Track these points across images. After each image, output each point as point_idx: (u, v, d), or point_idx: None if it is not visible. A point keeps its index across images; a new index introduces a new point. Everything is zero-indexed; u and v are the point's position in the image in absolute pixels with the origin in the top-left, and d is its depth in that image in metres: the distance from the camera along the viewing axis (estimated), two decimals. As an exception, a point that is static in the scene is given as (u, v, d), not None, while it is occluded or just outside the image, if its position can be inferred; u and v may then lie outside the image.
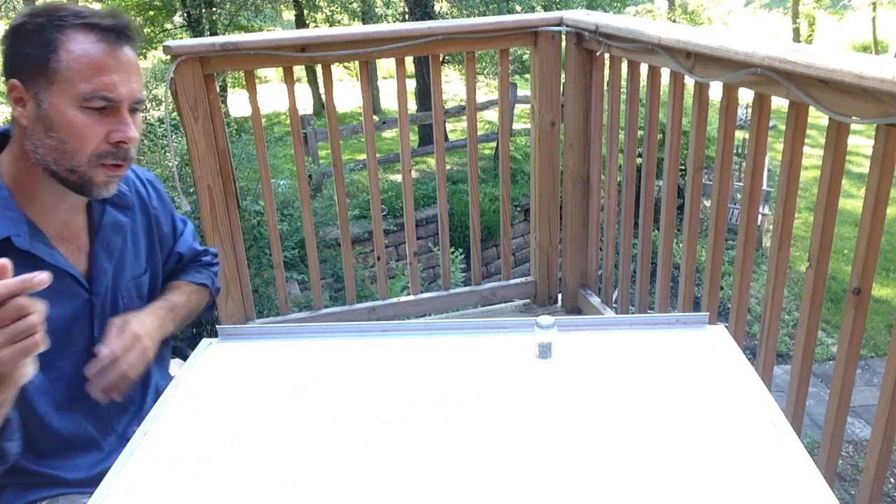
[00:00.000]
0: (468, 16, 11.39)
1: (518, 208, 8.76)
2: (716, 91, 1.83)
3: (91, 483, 1.08)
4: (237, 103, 14.01)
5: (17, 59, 1.07)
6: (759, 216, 6.26)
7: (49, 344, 1.06)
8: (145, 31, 14.33)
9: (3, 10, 14.93)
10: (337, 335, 1.34)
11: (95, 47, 1.06)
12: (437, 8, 12.63)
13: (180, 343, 1.57)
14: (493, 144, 10.66)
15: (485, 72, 11.28)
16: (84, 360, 1.19)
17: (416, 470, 0.98)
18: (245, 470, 0.99)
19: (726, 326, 1.33)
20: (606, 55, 2.27)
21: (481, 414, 1.09)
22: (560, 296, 2.80)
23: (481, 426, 1.06)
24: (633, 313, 2.46)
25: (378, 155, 2.60)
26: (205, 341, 1.32)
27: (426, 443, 1.03)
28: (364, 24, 13.94)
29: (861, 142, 8.14)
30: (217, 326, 1.35)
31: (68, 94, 1.05)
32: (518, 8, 11.50)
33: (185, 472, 0.98)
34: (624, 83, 2.32)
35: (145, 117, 10.13)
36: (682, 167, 2.03)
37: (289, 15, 17.25)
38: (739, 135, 7.67)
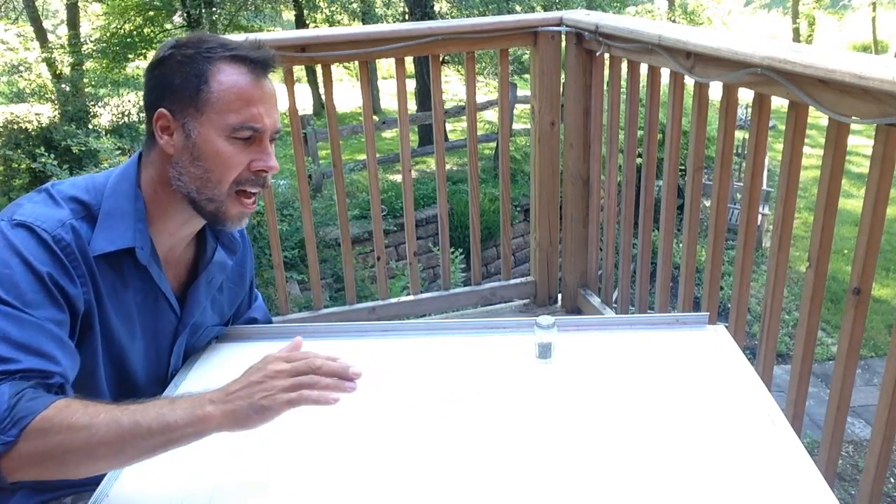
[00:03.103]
0: (468, 16, 11.38)
1: (518, 208, 8.75)
2: (716, 91, 1.83)
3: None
4: (237, 103, 13.94)
5: (166, 90, 1.09)
6: (759, 216, 6.25)
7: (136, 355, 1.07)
8: (145, 31, 14.33)
9: (2, 10, 14.92)
10: (337, 335, 1.34)
11: (244, 79, 1.09)
12: (437, 8, 12.62)
13: None
14: (493, 144, 10.66)
15: (485, 72, 11.27)
16: (150, 385, 1.21)
17: (417, 470, 0.97)
18: (245, 470, 0.99)
19: (726, 326, 1.33)
20: (606, 55, 2.27)
21: (481, 414, 1.09)
22: (560, 296, 2.79)
23: (481, 426, 1.06)
24: (633, 313, 2.46)
25: (378, 155, 2.60)
26: None
27: (426, 443, 1.03)
28: (364, 24, 13.94)
29: (861, 142, 8.14)
30: None
31: (217, 125, 1.08)
32: (518, 8, 11.49)
33: (184, 473, 0.98)
34: (624, 83, 2.31)
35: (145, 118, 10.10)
36: (682, 167, 2.03)
37: (289, 15, 17.24)
38: (739, 135, 7.67)
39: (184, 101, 1.08)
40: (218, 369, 1.24)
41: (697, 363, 1.20)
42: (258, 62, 1.10)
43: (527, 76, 10.29)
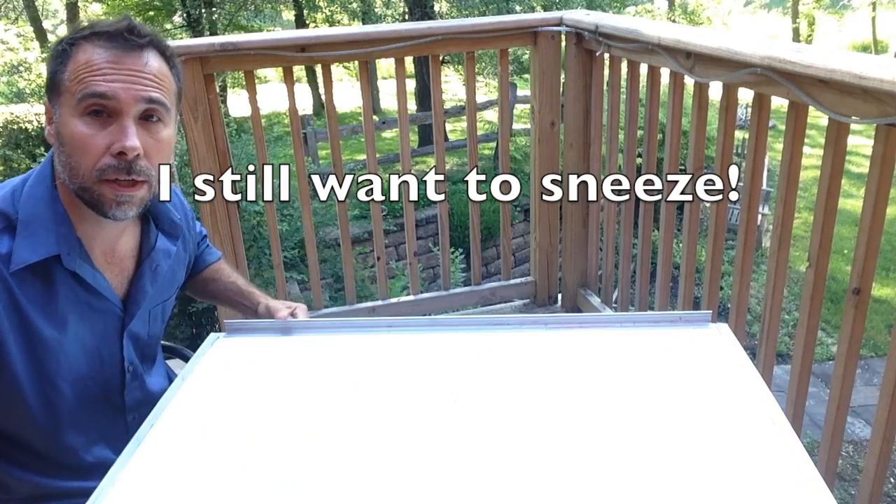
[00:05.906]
0: (468, 16, 11.38)
1: (518, 208, 8.75)
2: (716, 91, 1.83)
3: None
4: (237, 103, 14.00)
5: (47, 81, 1.06)
6: (759, 216, 6.25)
7: (80, 362, 1.06)
8: (145, 31, 14.31)
9: (3, 10, 14.92)
10: (343, 331, 1.34)
11: (99, 54, 1.01)
12: (436, 8, 12.62)
13: (179, 343, 1.57)
14: (493, 144, 10.66)
15: (484, 72, 11.28)
16: (111, 381, 1.19)
17: (418, 469, 0.97)
18: (247, 466, 0.99)
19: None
20: (606, 55, 2.27)
21: (480, 413, 1.09)
22: (560, 296, 2.79)
23: (480, 426, 1.06)
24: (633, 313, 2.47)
25: (378, 155, 2.60)
26: (213, 335, 1.32)
27: (426, 442, 1.03)
28: (364, 24, 13.94)
29: (861, 142, 8.14)
30: (225, 321, 1.36)
31: (69, 103, 1.01)
32: (518, 8, 11.49)
33: (189, 465, 0.98)
34: (624, 83, 2.32)
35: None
36: (682, 167, 2.03)
37: (289, 15, 17.24)
38: (739, 135, 7.67)
39: (52, 87, 1.04)
40: (225, 365, 1.24)
41: (699, 361, 1.20)
42: (117, 35, 1.02)
43: (527, 76, 10.29)
